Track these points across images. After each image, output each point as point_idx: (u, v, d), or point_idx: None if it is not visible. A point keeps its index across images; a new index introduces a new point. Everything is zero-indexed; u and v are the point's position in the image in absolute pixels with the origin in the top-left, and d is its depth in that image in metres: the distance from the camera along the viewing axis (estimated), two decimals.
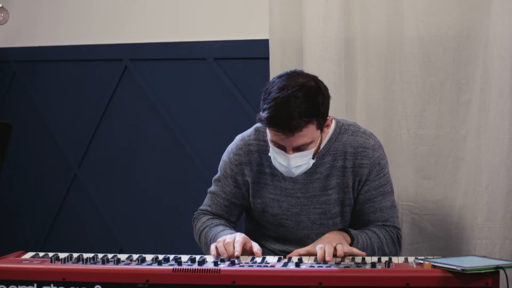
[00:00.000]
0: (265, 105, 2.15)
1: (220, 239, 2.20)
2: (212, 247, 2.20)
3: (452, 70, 2.77)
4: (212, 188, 2.46)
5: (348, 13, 2.87)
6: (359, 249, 2.18)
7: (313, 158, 2.25)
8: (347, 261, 2.06)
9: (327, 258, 2.04)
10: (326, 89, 2.22)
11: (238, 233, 2.23)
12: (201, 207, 2.49)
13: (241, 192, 2.41)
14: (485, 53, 2.65)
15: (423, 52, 2.78)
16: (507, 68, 2.62)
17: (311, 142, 2.19)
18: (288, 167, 2.22)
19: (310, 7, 2.87)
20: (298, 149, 2.19)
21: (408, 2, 2.77)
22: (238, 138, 2.43)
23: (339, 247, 2.08)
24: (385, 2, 2.83)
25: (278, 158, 2.23)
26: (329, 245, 2.08)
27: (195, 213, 2.50)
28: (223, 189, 2.42)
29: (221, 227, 2.36)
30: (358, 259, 2.07)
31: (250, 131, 2.42)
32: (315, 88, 2.17)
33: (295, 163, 2.21)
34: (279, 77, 2.20)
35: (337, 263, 2.04)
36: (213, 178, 2.47)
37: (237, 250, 2.12)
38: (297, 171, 2.24)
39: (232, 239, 2.17)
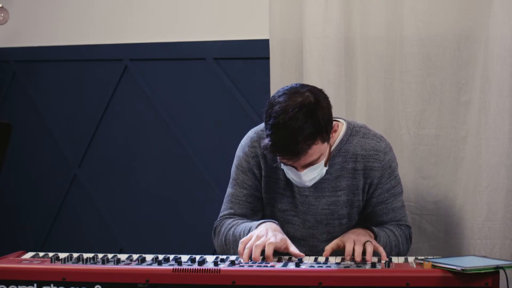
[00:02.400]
0: (267, 131, 2.14)
1: (255, 240, 2.13)
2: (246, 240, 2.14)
3: (452, 70, 2.77)
4: (229, 190, 2.42)
5: (348, 13, 2.87)
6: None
7: (325, 165, 2.26)
8: (347, 261, 2.06)
9: (356, 259, 2.05)
10: (326, 98, 2.19)
11: (281, 235, 2.18)
12: (222, 214, 2.42)
13: (260, 184, 2.39)
14: (485, 53, 2.65)
15: (423, 52, 2.78)
16: (507, 68, 2.62)
17: (319, 157, 2.19)
18: (301, 181, 2.23)
19: (310, 7, 2.87)
20: (309, 165, 2.19)
21: (408, 2, 2.77)
22: (250, 132, 2.43)
23: (368, 249, 2.07)
24: (385, 2, 2.83)
25: (290, 174, 2.24)
26: (359, 244, 2.08)
27: (216, 222, 2.42)
28: (243, 185, 2.39)
29: (249, 222, 2.30)
30: (358, 259, 2.07)
31: (263, 124, 2.38)
32: (314, 104, 2.13)
33: (307, 177, 2.22)
34: (279, 96, 2.16)
35: (337, 263, 2.04)
36: (229, 182, 2.43)
37: (270, 258, 2.09)
38: (311, 183, 2.25)
39: (263, 242, 2.11)
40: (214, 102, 3.36)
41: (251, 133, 2.42)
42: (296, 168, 2.20)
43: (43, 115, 3.67)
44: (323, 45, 2.88)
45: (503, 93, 2.63)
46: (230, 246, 2.32)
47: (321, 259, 2.13)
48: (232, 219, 2.37)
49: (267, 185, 2.38)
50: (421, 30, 2.77)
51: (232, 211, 2.39)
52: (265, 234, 2.15)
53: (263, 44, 3.06)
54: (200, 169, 3.39)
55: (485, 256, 2.19)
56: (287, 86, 2.20)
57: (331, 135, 2.22)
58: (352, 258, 2.07)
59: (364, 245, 2.09)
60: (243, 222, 2.33)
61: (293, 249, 2.16)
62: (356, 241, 2.10)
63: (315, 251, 2.34)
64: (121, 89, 3.52)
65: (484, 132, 2.66)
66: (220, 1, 3.31)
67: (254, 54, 3.22)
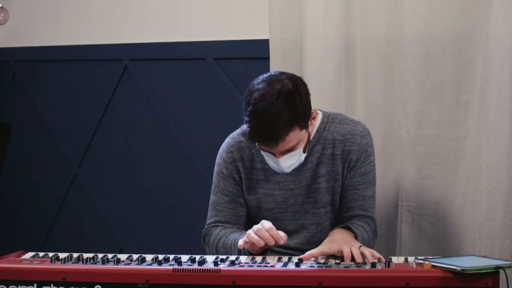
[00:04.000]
0: (246, 118, 2.17)
1: (249, 231, 2.18)
2: (241, 242, 2.19)
3: (452, 70, 2.77)
4: (212, 197, 2.45)
5: (348, 13, 2.87)
6: None
7: (304, 152, 2.28)
8: (347, 261, 2.06)
9: (357, 260, 2.05)
10: (305, 86, 2.23)
11: (264, 221, 2.21)
12: (208, 222, 2.45)
13: (241, 189, 2.42)
14: (485, 53, 2.65)
15: (423, 52, 2.78)
16: (507, 68, 2.61)
17: (297, 143, 2.21)
18: (280, 168, 2.25)
19: (310, 7, 2.87)
20: (287, 151, 2.21)
21: (408, 2, 2.77)
22: (228, 138, 2.46)
23: (366, 252, 2.07)
24: (385, 2, 2.83)
25: (269, 160, 2.27)
26: (355, 247, 2.09)
27: (203, 230, 2.45)
28: (224, 192, 2.41)
29: (238, 233, 2.34)
30: (359, 261, 2.07)
31: (239, 129, 2.45)
32: (292, 91, 2.16)
33: (286, 164, 2.24)
34: (258, 84, 2.20)
35: (337, 263, 2.04)
36: (212, 189, 2.45)
37: (282, 236, 2.14)
38: (290, 169, 2.27)
39: (261, 226, 2.16)
40: (214, 102, 3.36)
41: (228, 139, 2.45)
42: (274, 155, 2.22)
43: (43, 115, 3.68)
44: (323, 45, 2.88)
45: (503, 93, 2.63)
46: None
47: (321, 259, 2.13)
48: (219, 229, 2.39)
49: (249, 187, 2.40)
50: (421, 30, 2.77)
51: (217, 218, 2.42)
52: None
53: (263, 44, 3.06)
54: (200, 169, 3.39)
55: (485, 256, 2.19)
56: (266, 74, 2.25)
57: (309, 122, 2.26)
58: (352, 259, 2.07)
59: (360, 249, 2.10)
60: (231, 233, 2.35)
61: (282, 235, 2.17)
62: (351, 246, 2.11)
63: (307, 244, 2.36)
64: (121, 89, 3.52)
65: (484, 132, 2.66)
66: (220, 1, 3.31)
67: (254, 54, 3.22)
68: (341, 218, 2.41)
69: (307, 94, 2.22)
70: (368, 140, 2.38)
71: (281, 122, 2.13)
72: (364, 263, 2.03)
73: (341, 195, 2.40)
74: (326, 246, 2.17)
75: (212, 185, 2.45)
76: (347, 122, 2.39)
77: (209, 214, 2.45)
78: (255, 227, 2.18)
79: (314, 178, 2.36)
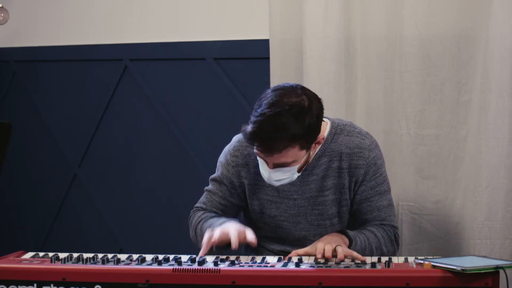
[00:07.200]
0: (252, 117, 2.14)
1: (217, 230, 2.21)
2: (206, 236, 2.21)
3: (452, 70, 2.77)
4: (209, 186, 2.46)
5: (348, 13, 2.87)
6: (357, 250, 2.18)
7: (298, 172, 2.25)
8: (347, 261, 2.06)
9: (326, 254, 2.05)
10: (320, 109, 2.18)
11: (231, 223, 2.23)
12: (197, 205, 2.48)
13: (237, 192, 2.41)
14: (485, 53, 2.65)
15: (423, 52, 2.78)
16: (507, 68, 2.61)
17: (292, 162, 2.19)
18: (269, 179, 2.24)
19: (310, 7, 2.87)
20: (280, 165, 2.19)
21: (408, 2, 2.77)
22: (235, 139, 2.43)
23: (339, 249, 2.08)
24: (385, 2, 2.83)
25: (261, 167, 2.25)
26: (329, 245, 2.10)
27: (191, 211, 2.49)
28: (219, 188, 2.42)
29: (216, 218, 2.35)
30: (328, 254, 2.07)
31: None
32: (305, 108, 2.13)
33: (276, 177, 2.22)
34: (276, 89, 2.17)
35: (337, 263, 2.04)
36: (210, 177, 2.46)
37: (234, 243, 2.15)
38: (277, 184, 2.25)
39: (226, 232, 2.19)
40: (214, 102, 3.36)
41: (234, 142, 2.42)
42: (267, 164, 2.20)
43: (43, 115, 3.68)
44: (323, 45, 2.88)
45: (503, 93, 2.63)
46: (198, 239, 2.36)
47: (321, 259, 2.13)
48: (202, 212, 2.42)
49: (252, 192, 2.39)
50: (421, 30, 2.77)
51: (204, 206, 2.45)
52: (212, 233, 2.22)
53: (263, 44, 3.06)
54: (200, 169, 3.39)
55: (485, 256, 2.19)
56: (289, 83, 2.21)
57: (313, 145, 2.23)
58: (352, 260, 2.07)
59: (335, 248, 2.10)
60: (210, 218, 2.37)
61: (249, 239, 2.19)
62: (326, 244, 2.11)
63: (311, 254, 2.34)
64: (121, 89, 3.52)
65: (484, 132, 2.66)
66: (220, 1, 3.31)
67: (254, 54, 3.23)
68: None
69: (319, 117, 2.17)
70: (376, 153, 2.34)
71: (283, 134, 2.10)
72: (364, 263, 2.03)
73: (356, 208, 2.37)
74: (312, 247, 2.18)
75: (214, 174, 2.45)
76: (354, 134, 2.34)
77: (202, 198, 2.47)
78: (205, 237, 2.21)
79: (321, 191, 2.34)
